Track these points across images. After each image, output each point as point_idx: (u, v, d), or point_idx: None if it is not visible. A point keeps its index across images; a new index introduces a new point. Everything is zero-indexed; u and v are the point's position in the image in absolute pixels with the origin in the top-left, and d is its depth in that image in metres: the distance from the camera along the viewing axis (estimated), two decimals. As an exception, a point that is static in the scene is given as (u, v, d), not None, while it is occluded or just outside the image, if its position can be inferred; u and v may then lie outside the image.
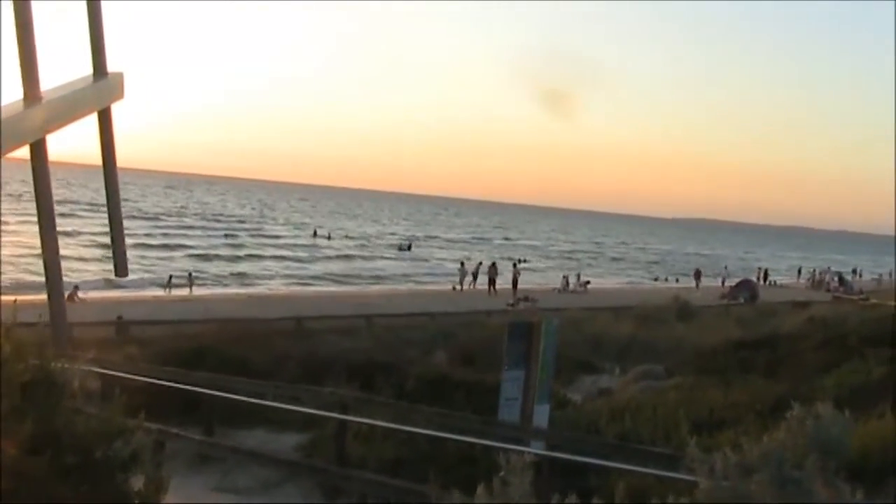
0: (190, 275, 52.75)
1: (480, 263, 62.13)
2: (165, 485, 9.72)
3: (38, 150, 1.69)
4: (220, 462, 13.33)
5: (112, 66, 1.83)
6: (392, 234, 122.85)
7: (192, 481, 12.57)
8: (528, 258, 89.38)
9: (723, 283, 71.54)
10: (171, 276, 51.98)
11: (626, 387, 22.25)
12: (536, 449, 11.68)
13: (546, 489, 4.17)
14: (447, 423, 13.40)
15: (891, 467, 9.65)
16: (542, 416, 14.70)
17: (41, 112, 1.61)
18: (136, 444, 8.57)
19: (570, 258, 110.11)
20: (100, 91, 1.85)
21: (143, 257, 64.83)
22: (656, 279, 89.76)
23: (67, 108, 1.70)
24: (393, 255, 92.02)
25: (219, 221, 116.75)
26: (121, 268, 1.92)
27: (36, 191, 1.71)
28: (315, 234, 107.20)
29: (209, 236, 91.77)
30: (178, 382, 15.86)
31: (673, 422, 15.15)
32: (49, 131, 1.65)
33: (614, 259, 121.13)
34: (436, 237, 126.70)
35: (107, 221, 1.87)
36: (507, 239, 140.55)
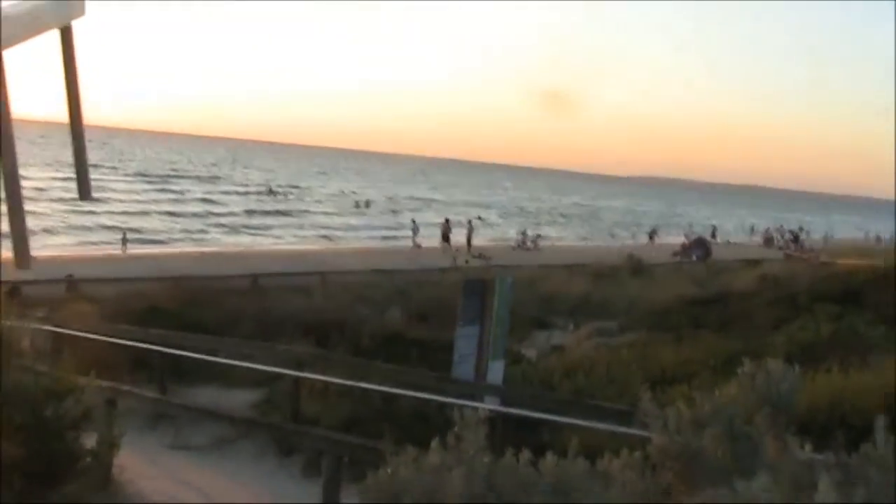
0: (124, 234, 51.71)
1: (448, 221, 61.56)
2: (118, 442, 9.71)
3: None
4: (173, 419, 13.27)
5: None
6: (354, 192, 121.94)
7: (146, 439, 12.52)
8: (482, 216, 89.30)
9: (686, 240, 71.27)
10: (125, 233, 51.40)
11: (580, 343, 22.38)
12: (491, 405, 11.74)
13: (500, 445, 4.18)
14: (402, 380, 13.43)
15: (838, 420, 9.81)
16: (496, 372, 14.76)
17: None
18: (87, 403, 8.53)
19: (527, 216, 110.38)
20: (60, 8, 1.79)
21: (92, 211, 64.14)
22: (613, 236, 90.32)
23: (27, 24, 1.64)
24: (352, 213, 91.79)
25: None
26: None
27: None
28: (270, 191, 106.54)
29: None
30: (131, 340, 15.76)
31: (626, 378, 15.29)
32: (7, 47, 1.60)
33: (570, 216, 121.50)
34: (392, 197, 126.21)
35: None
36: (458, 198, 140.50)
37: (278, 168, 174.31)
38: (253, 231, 67.90)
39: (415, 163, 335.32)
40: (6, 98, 1.55)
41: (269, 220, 75.69)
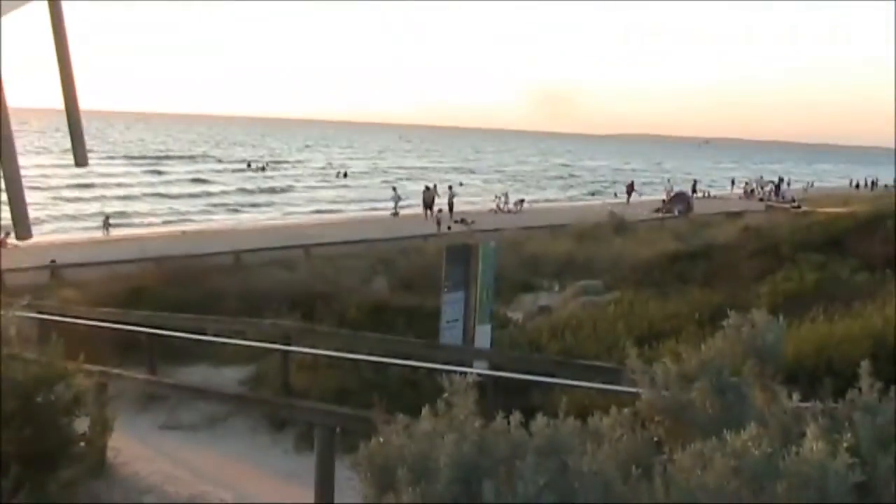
0: (107, 217, 51.34)
1: (428, 188, 61.11)
2: (110, 425, 9.73)
3: None
4: (164, 400, 13.29)
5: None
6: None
7: (138, 420, 12.54)
8: (463, 182, 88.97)
9: (667, 196, 71.03)
10: (107, 217, 51.12)
11: (566, 303, 22.43)
12: (479, 369, 11.78)
13: (490, 408, 4.20)
14: (390, 350, 13.46)
15: (825, 368, 9.88)
16: (483, 337, 14.80)
17: None
18: (78, 388, 8.53)
19: (509, 178, 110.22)
20: None
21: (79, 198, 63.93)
22: (593, 194, 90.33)
23: None
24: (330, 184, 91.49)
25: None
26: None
27: None
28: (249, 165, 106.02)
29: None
30: (117, 323, 15.74)
31: (613, 336, 15.34)
32: None
33: (553, 178, 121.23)
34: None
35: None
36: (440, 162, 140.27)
37: (265, 143, 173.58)
38: (239, 208, 67.35)
39: (395, 131, 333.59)
40: None
41: (254, 199, 75.11)
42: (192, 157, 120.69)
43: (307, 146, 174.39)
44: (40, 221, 48.63)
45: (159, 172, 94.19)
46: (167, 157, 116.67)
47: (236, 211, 65.19)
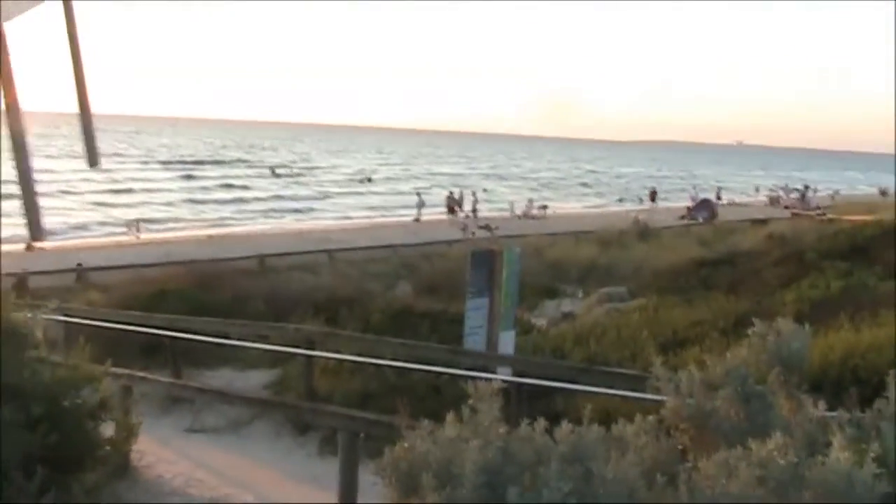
0: (136, 222, 51.61)
1: (452, 193, 60.89)
2: (136, 430, 9.76)
3: (3, 56, 1.64)
4: (189, 403, 13.34)
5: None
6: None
7: (162, 423, 12.60)
8: (486, 187, 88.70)
9: (691, 202, 70.51)
10: (137, 221, 51.43)
11: (590, 310, 22.40)
12: (503, 376, 11.76)
13: (515, 415, 4.21)
14: (414, 355, 13.46)
15: (851, 377, 9.83)
16: (507, 343, 14.79)
17: None
18: (105, 391, 8.58)
19: (538, 184, 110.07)
20: None
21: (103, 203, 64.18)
22: (620, 200, 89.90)
23: None
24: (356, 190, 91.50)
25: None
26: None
27: (5, 92, 1.66)
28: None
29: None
30: (142, 326, 15.81)
31: (638, 342, 15.31)
32: (8, 19, 1.60)
33: (581, 184, 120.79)
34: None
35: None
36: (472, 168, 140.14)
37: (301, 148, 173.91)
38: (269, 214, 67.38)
39: (424, 137, 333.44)
40: (9, 68, 1.55)
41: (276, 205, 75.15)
42: (222, 162, 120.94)
43: (337, 151, 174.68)
44: (69, 226, 48.97)
45: (191, 177, 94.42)
46: (199, 162, 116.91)
47: (268, 216, 65.17)
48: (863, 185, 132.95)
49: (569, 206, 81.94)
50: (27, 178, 1.75)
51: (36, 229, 1.76)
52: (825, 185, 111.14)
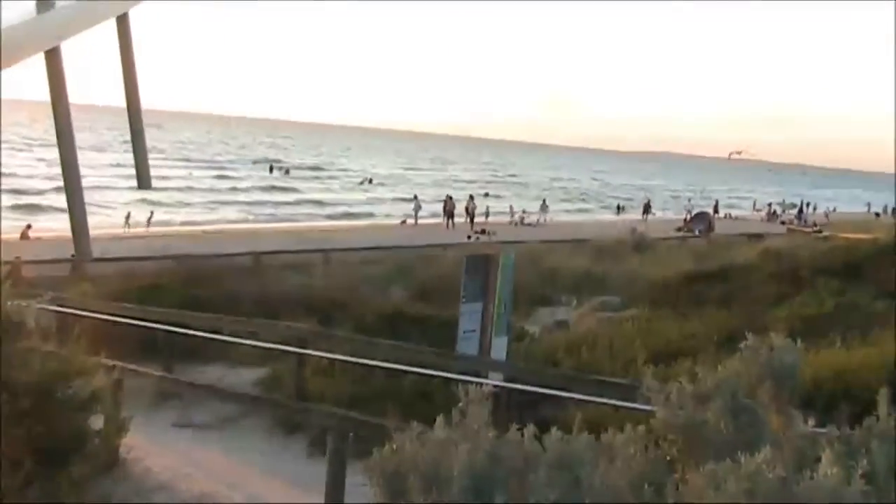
0: (128, 214, 51.63)
1: (450, 198, 61.00)
2: (126, 426, 9.69)
3: (54, 58, 1.63)
4: (179, 398, 13.31)
5: None
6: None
7: (152, 417, 12.56)
8: (486, 192, 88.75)
9: (688, 215, 70.53)
10: (129, 213, 51.35)
11: (583, 319, 22.38)
12: (495, 381, 11.76)
13: (504, 420, 4.20)
14: (406, 357, 13.45)
15: (842, 394, 9.84)
16: (500, 348, 14.79)
17: (55, 18, 1.56)
18: (96, 385, 8.52)
19: (540, 190, 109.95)
20: None
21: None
22: (619, 210, 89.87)
23: (83, 14, 1.64)
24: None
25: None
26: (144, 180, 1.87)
27: (52, 99, 1.65)
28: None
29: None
30: (135, 319, 15.76)
31: (629, 353, 15.32)
32: (63, 38, 1.60)
33: (580, 193, 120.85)
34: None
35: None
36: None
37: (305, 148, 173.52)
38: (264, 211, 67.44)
39: (429, 141, 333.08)
40: (63, 86, 1.55)
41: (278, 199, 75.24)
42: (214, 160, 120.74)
43: (347, 150, 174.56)
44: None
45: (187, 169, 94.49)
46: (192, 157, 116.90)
47: (263, 213, 65.22)
48: (859, 204, 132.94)
49: (566, 213, 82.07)
50: (77, 196, 1.74)
51: (82, 249, 1.75)
52: (823, 201, 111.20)
